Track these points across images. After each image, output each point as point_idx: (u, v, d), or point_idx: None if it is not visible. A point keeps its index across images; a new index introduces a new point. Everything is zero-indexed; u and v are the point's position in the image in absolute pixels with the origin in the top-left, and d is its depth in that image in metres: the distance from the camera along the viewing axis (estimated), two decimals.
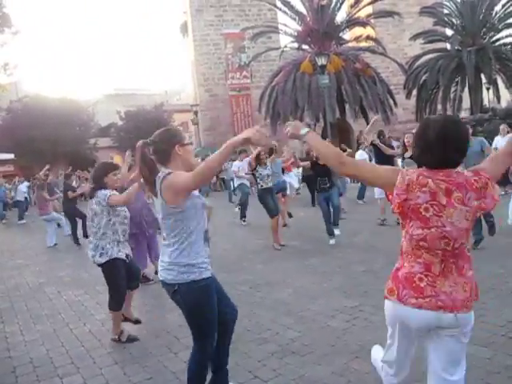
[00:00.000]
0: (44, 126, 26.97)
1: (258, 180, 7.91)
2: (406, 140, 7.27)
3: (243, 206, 11.02)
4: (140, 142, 2.57)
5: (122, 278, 4.25)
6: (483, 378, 3.06)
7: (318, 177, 7.76)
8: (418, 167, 2.07)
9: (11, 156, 25.69)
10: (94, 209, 4.23)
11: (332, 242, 7.65)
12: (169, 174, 2.46)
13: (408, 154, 7.02)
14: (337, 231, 7.89)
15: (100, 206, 4.19)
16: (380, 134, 9.74)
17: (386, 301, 2.17)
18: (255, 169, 7.85)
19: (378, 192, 9.19)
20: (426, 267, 2.04)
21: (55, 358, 4.12)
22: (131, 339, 4.32)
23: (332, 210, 7.85)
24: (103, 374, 3.74)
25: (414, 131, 8.35)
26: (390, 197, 2.12)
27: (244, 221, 10.80)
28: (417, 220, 2.00)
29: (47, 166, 12.58)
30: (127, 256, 4.38)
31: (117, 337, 4.32)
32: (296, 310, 4.72)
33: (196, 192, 2.62)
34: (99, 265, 4.25)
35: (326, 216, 7.76)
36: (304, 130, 2.18)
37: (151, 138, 2.59)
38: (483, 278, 5.18)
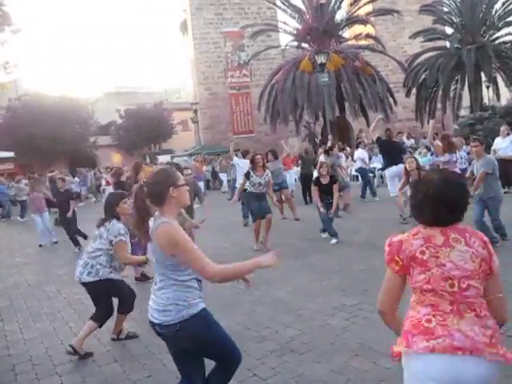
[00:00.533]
0: (43, 124, 26.96)
1: (249, 184, 7.80)
2: (407, 165, 7.33)
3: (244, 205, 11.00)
4: (135, 187, 2.60)
5: (124, 285, 4.34)
6: None
7: (323, 193, 7.87)
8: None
9: (11, 154, 25.68)
10: (101, 232, 4.18)
11: (334, 241, 7.66)
12: (160, 225, 2.42)
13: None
14: (334, 241, 7.78)
15: (106, 233, 4.14)
16: (388, 131, 9.75)
17: (401, 361, 1.97)
18: (249, 173, 7.77)
19: (391, 189, 9.09)
20: (433, 308, 1.89)
21: (54, 356, 4.12)
22: (130, 336, 4.34)
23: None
24: (102, 372, 3.75)
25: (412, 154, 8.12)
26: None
27: (246, 223, 10.67)
28: (417, 266, 1.93)
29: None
30: (120, 280, 4.32)
31: (115, 336, 4.35)
32: (295, 308, 4.73)
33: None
34: (84, 283, 4.14)
35: (327, 223, 7.83)
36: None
37: (145, 180, 2.58)
38: None
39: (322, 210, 7.78)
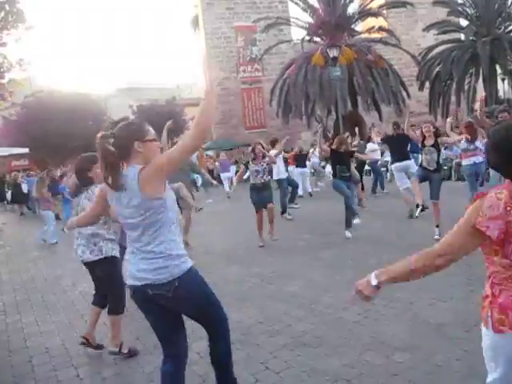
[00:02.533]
0: (57, 121, 27.21)
1: (250, 174, 7.82)
2: (424, 129, 7.20)
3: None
4: (99, 134, 2.42)
5: (120, 276, 3.87)
6: None
7: (337, 164, 7.68)
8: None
9: (26, 150, 26.00)
10: (83, 205, 3.82)
11: (349, 234, 7.57)
12: (142, 168, 2.35)
13: (430, 142, 6.99)
14: (357, 220, 7.75)
15: (90, 202, 3.78)
16: (395, 125, 9.64)
17: (492, 333, 1.82)
18: (248, 162, 7.78)
19: (399, 183, 9.05)
20: None
21: (70, 348, 4.19)
22: (133, 353, 3.93)
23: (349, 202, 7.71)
24: (117, 364, 3.80)
25: (430, 121, 8.12)
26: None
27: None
28: None
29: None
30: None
31: (117, 349, 3.87)
32: (308, 303, 4.74)
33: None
34: (87, 263, 3.92)
35: (350, 199, 7.59)
36: (374, 281, 1.98)
37: (112, 130, 2.44)
38: None
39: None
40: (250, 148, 8.14)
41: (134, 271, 2.43)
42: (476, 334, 2.14)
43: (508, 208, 1.72)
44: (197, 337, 3.97)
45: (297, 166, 13.93)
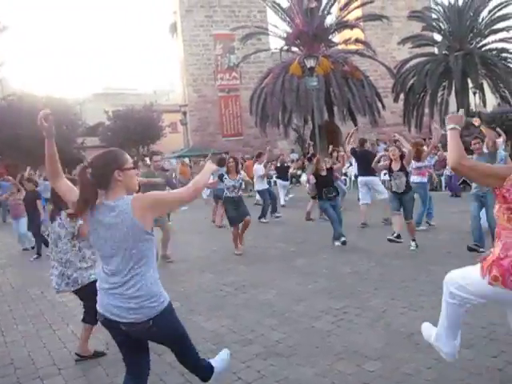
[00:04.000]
0: (30, 125, 26.57)
1: (225, 188, 7.81)
2: (390, 154, 7.31)
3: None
4: (78, 168, 2.49)
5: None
6: (464, 379, 3.09)
7: (323, 188, 7.79)
8: None
9: None
10: (57, 232, 3.85)
11: (338, 243, 7.52)
12: (136, 199, 2.34)
13: (397, 167, 7.08)
14: (338, 243, 7.63)
15: (64, 230, 3.82)
16: (363, 142, 9.80)
17: (483, 281, 2.40)
18: (223, 175, 7.74)
19: (361, 197, 9.36)
20: None
21: (37, 360, 4.06)
22: (98, 354, 3.96)
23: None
24: (85, 376, 3.70)
25: (396, 144, 8.31)
26: (498, 192, 2.36)
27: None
28: None
29: (28, 168, 12.31)
30: None
31: (86, 354, 3.92)
32: (281, 312, 4.72)
33: None
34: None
35: (335, 222, 7.66)
36: (450, 126, 2.57)
37: (89, 160, 2.44)
38: None
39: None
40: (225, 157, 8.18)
41: (107, 304, 2.40)
42: None
43: None
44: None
45: (278, 178, 14.16)
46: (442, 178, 14.39)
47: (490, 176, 2.41)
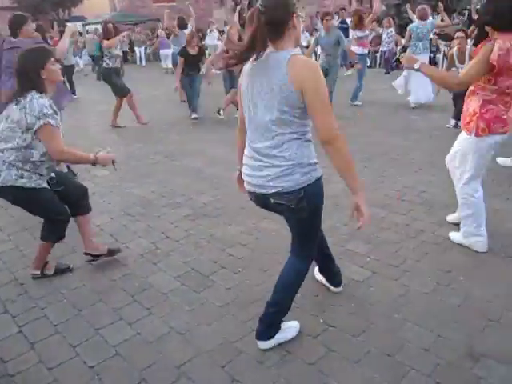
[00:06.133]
0: None
1: (106, 59, 7.16)
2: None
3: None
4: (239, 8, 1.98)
5: (51, 204, 2.85)
6: (375, 232, 3.40)
7: (189, 66, 7.46)
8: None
9: None
10: (13, 117, 2.66)
11: (194, 115, 7.68)
12: (295, 53, 1.87)
13: None
14: (194, 114, 7.73)
15: (25, 120, 2.61)
16: None
17: (475, 139, 2.86)
18: (103, 47, 7.16)
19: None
20: (505, 106, 2.81)
21: None
22: (61, 270, 3.10)
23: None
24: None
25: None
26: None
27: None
28: (507, 75, 2.69)
29: None
30: (52, 180, 2.91)
31: (38, 272, 3.03)
32: (210, 177, 4.81)
33: None
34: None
35: (190, 97, 7.74)
36: (417, 65, 2.87)
37: (261, 3, 1.85)
38: (387, 150, 5.53)
39: (177, 85, 7.65)
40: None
41: (253, 177, 2.05)
42: None
43: (509, 52, 2.61)
44: None
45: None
46: (377, 55, 14.40)
47: (481, 68, 2.71)
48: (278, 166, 1.96)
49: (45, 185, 2.82)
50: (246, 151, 2.13)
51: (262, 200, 2.10)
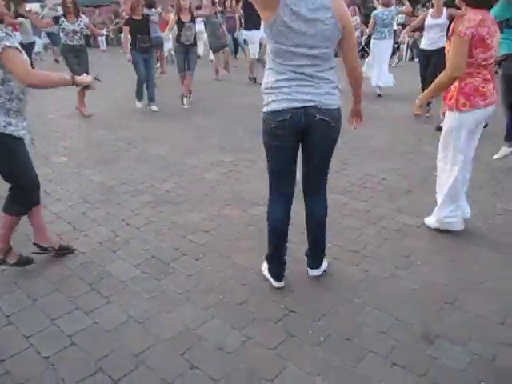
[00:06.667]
0: None
1: (62, 35, 6.71)
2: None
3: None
4: None
5: (28, 163, 2.68)
6: (336, 219, 3.42)
7: (138, 34, 6.95)
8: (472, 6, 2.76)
9: None
10: None
11: (139, 105, 7.46)
12: None
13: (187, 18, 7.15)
14: (154, 107, 7.40)
15: None
16: None
17: (457, 113, 2.89)
18: (58, 22, 6.65)
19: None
20: (484, 79, 2.85)
21: None
22: (23, 262, 2.88)
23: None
24: None
25: None
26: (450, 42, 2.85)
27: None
28: (481, 47, 2.74)
29: None
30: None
31: (1, 257, 2.81)
32: (173, 164, 4.73)
33: None
34: None
35: (143, 78, 7.19)
36: (418, 103, 3.07)
37: None
38: (350, 138, 5.57)
39: (129, 57, 7.02)
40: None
41: (300, 94, 2.23)
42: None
43: (479, 24, 2.70)
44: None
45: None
46: None
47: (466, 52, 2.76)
48: (328, 84, 2.27)
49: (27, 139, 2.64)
50: (289, 75, 2.23)
51: (306, 117, 2.24)
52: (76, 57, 6.76)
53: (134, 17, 6.99)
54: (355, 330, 2.26)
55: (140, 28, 6.94)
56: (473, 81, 2.84)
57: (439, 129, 6.99)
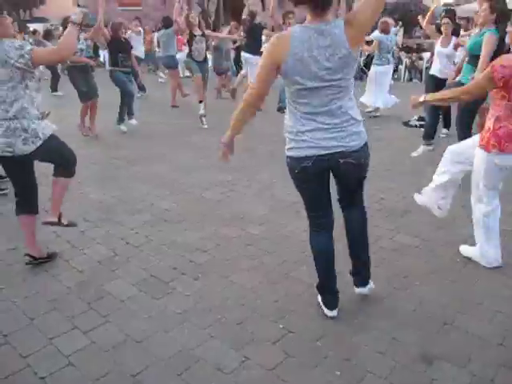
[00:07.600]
0: None
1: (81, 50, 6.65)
2: None
3: None
4: None
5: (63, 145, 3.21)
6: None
7: (119, 52, 6.92)
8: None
9: None
10: None
11: (123, 128, 7.17)
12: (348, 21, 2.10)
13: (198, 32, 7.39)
14: (133, 122, 7.33)
15: (11, 66, 2.63)
16: (250, 15, 9.29)
17: (485, 154, 2.83)
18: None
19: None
20: None
21: None
22: (72, 225, 3.38)
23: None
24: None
25: None
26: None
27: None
28: None
29: None
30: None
31: (56, 219, 3.19)
32: (171, 183, 4.74)
33: None
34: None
35: (129, 98, 7.15)
36: (422, 98, 3.00)
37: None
38: None
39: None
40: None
41: (323, 141, 2.20)
42: None
43: None
44: None
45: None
46: None
47: (484, 85, 2.81)
48: (351, 122, 2.22)
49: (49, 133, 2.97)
50: (309, 121, 2.21)
51: (330, 161, 2.22)
52: (82, 76, 6.70)
53: (116, 38, 6.97)
54: (354, 350, 2.25)
55: (123, 50, 6.99)
56: (508, 125, 2.76)
57: (406, 123, 7.12)
